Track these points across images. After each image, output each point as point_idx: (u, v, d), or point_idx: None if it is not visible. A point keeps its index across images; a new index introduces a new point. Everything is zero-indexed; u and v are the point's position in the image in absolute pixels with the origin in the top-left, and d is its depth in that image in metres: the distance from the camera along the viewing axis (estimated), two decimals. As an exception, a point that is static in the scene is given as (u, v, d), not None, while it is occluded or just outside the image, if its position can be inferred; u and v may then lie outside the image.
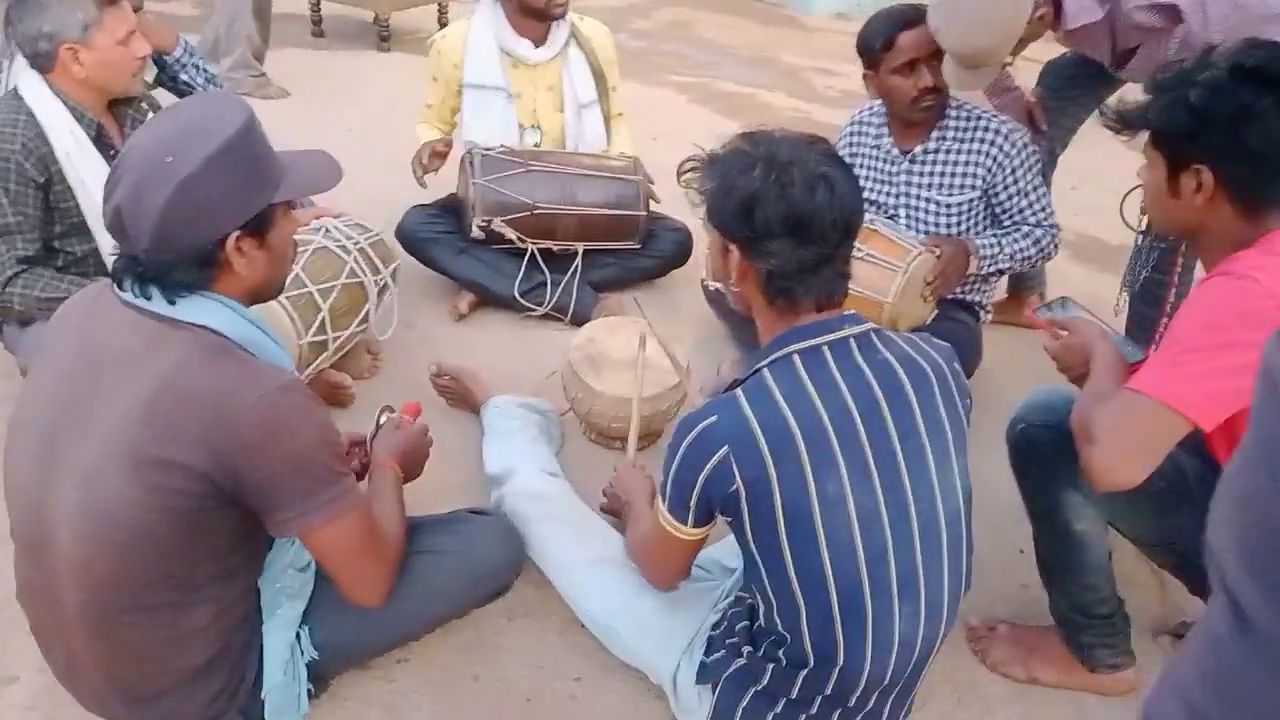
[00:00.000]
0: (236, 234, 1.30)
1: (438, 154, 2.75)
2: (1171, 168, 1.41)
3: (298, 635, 1.51)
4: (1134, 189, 1.63)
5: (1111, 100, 1.72)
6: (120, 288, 1.32)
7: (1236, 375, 1.25)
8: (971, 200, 2.35)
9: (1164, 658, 1.79)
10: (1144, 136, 1.48)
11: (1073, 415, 1.41)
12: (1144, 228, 2.34)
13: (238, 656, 1.46)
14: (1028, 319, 1.80)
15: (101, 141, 2.11)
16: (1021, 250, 2.33)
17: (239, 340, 1.33)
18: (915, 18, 2.21)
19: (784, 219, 1.26)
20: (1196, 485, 1.49)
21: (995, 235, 2.34)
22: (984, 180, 2.33)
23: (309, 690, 1.53)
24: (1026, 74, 2.72)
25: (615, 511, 1.88)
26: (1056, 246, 2.42)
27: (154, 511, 1.26)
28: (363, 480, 1.64)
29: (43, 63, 2.04)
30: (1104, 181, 3.40)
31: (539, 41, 2.75)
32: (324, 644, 1.52)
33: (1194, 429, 1.31)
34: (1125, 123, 1.47)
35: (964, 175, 2.34)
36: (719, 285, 1.46)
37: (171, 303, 1.30)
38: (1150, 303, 2.32)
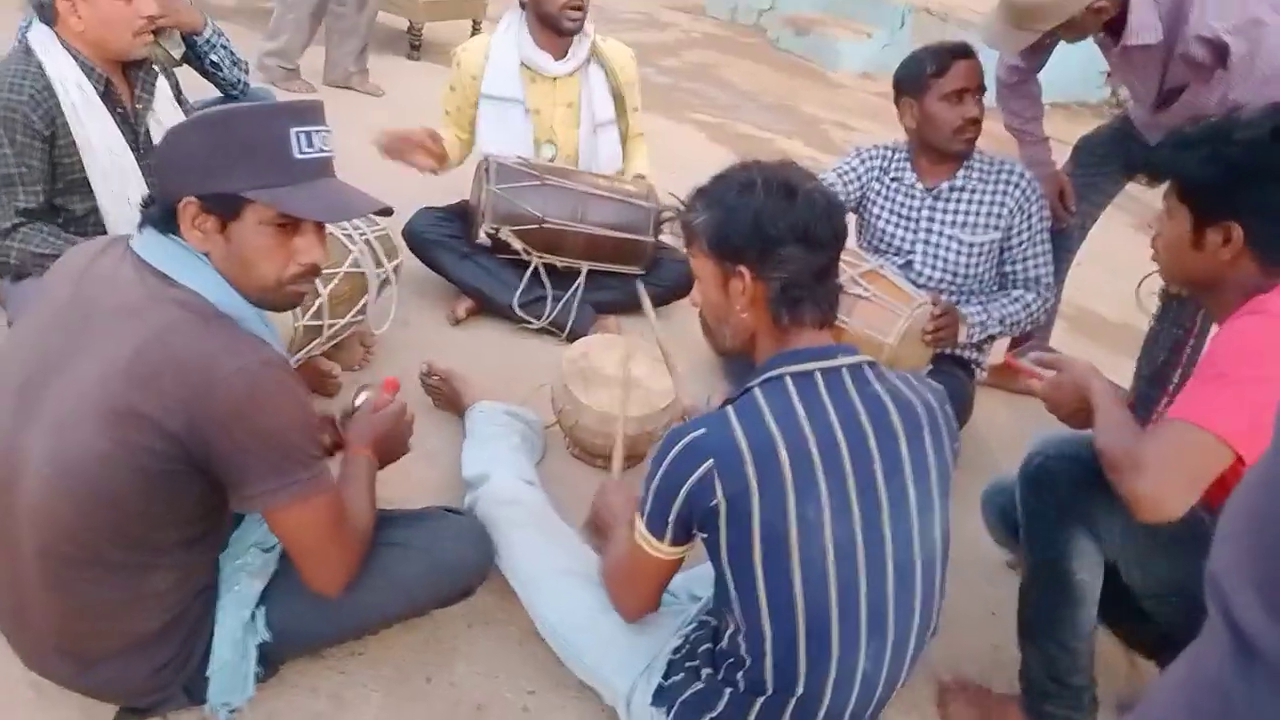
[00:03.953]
0: (194, 201, 1.30)
1: (420, 146, 2.63)
2: (1199, 221, 1.42)
3: (253, 615, 1.48)
4: (1149, 275, 1.64)
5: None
6: (139, 229, 1.36)
7: (1270, 410, 1.24)
8: (993, 241, 2.36)
9: None
10: (1150, 211, 1.50)
11: (1102, 444, 1.40)
12: (1158, 313, 2.36)
13: (191, 628, 1.43)
14: (1008, 364, 1.80)
15: (110, 99, 2.11)
16: (1010, 315, 2.35)
17: (229, 313, 1.33)
18: (969, 51, 2.29)
19: (793, 227, 1.30)
20: (1209, 529, 1.47)
21: (982, 302, 2.36)
22: (1005, 222, 2.35)
23: (257, 673, 1.49)
24: (1059, 154, 2.74)
25: (600, 530, 1.85)
26: (1046, 310, 2.43)
27: (121, 467, 1.24)
28: (331, 458, 1.62)
29: (46, 14, 2.05)
30: (1108, 261, 3.44)
31: (559, 55, 2.78)
32: (278, 627, 1.49)
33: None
34: (1156, 171, 1.48)
35: (988, 215, 2.35)
36: (714, 324, 1.45)
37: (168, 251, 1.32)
38: (1155, 383, 2.33)
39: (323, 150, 1.36)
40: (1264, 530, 0.50)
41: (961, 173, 2.37)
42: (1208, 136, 1.42)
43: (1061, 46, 2.37)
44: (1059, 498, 1.53)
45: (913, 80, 2.33)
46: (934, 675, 1.81)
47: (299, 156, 1.32)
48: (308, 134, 1.34)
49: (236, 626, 1.46)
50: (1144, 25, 2.12)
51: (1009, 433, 2.67)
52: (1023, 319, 2.36)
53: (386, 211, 1.47)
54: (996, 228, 2.35)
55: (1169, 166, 1.45)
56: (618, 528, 1.63)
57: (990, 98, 2.60)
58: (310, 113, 1.36)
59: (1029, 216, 2.35)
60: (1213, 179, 1.39)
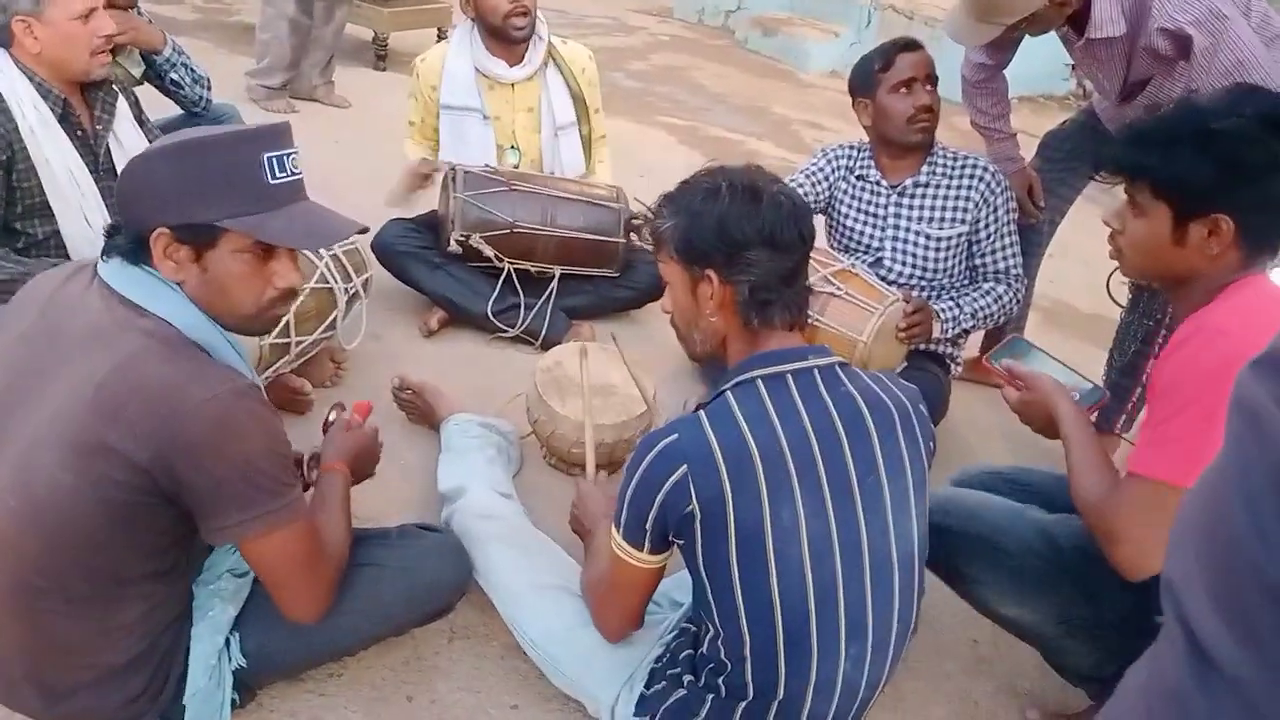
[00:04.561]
0: (165, 232, 1.27)
1: (420, 176, 2.74)
2: (1181, 216, 1.37)
3: (227, 641, 1.46)
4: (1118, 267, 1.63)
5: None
6: (103, 257, 1.33)
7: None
8: (960, 235, 2.37)
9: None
10: (1111, 198, 1.48)
11: (1078, 496, 1.42)
12: (1128, 304, 2.38)
13: (163, 657, 1.41)
14: (982, 366, 1.80)
15: (68, 120, 2.07)
16: (983, 309, 2.36)
17: (199, 341, 1.31)
18: (914, 44, 2.33)
19: (758, 230, 1.30)
20: (1070, 552, 1.50)
21: (953, 298, 2.37)
22: (972, 215, 2.37)
23: (234, 700, 1.47)
24: (1025, 148, 2.75)
25: (580, 533, 1.84)
26: (1018, 301, 2.44)
27: (87, 500, 1.22)
28: (307, 491, 1.60)
29: (1, 36, 2.01)
30: (1077, 252, 3.46)
31: (514, 61, 2.78)
32: (254, 653, 1.46)
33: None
34: (1127, 171, 1.43)
35: (954, 209, 2.36)
36: (684, 329, 1.45)
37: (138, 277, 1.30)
38: (1128, 373, 2.35)
39: (294, 173, 1.35)
40: (1214, 539, 0.50)
41: (925, 168, 2.38)
42: (1179, 131, 1.37)
43: (1026, 39, 2.38)
44: (946, 554, 1.57)
45: (863, 79, 2.36)
46: (917, 673, 1.80)
47: (272, 182, 1.31)
48: (279, 158, 1.32)
49: (211, 653, 1.44)
50: (1107, 18, 2.13)
51: (985, 427, 2.68)
52: (995, 311, 2.37)
53: (363, 231, 1.46)
54: (963, 221, 2.36)
55: (1143, 166, 1.40)
56: (596, 534, 1.62)
57: (956, 93, 2.61)
58: (279, 136, 1.34)
59: (995, 209, 2.37)
60: (1205, 177, 1.33)
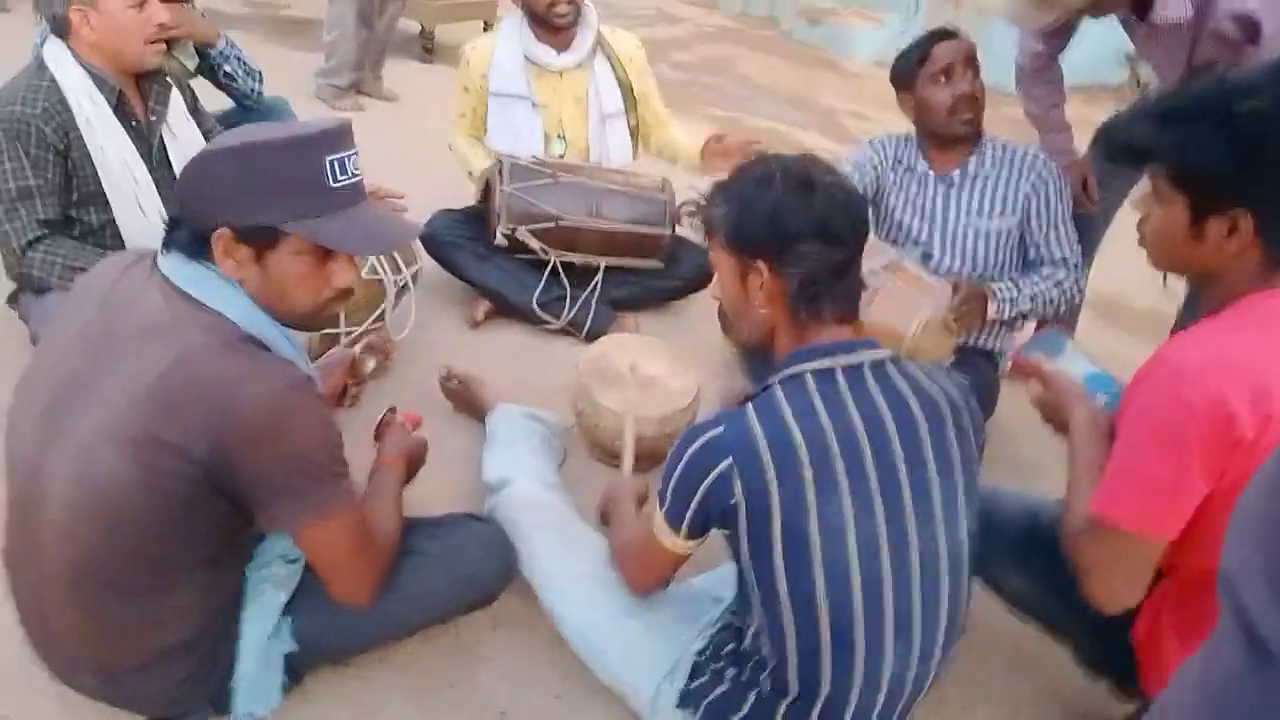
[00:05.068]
0: (227, 232, 1.29)
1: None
2: (1199, 209, 1.23)
3: (278, 626, 1.48)
4: None
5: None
6: (163, 250, 1.35)
7: (1193, 479, 1.20)
8: (1011, 228, 2.32)
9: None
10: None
11: (1063, 525, 1.37)
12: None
13: (215, 640, 1.43)
14: (1014, 360, 1.75)
15: (123, 111, 2.12)
16: (1042, 292, 2.28)
17: (256, 335, 1.33)
18: (950, 33, 2.28)
19: (812, 222, 1.28)
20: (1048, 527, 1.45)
21: (1013, 279, 2.31)
22: (1023, 206, 2.31)
23: (283, 683, 1.50)
24: (1079, 138, 2.69)
25: (604, 519, 1.86)
26: (1078, 291, 2.38)
27: (144, 491, 1.25)
28: (342, 403, 1.70)
29: (59, 26, 2.06)
30: (1132, 247, 3.37)
31: (561, 48, 2.78)
32: (304, 637, 1.49)
33: None
34: (1136, 155, 1.31)
35: (1005, 199, 2.31)
36: (734, 318, 1.45)
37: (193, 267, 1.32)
38: None
39: (354, 174, 1.36)
40: (1277, 532, 0.49)
41: (974, 159, 2.33)
42: (1200, 108, 1.20)
43: (1081, 25, 2.32)
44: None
45: (903, 73, 2.32)
46: (959, 676, 1.78)
47: (334, 186, 1.32)
48: (340, 160, 1.33)
49: (262, 637, 1.46)
50: (1174, 1, 2.07)
51: (1034, 424, 2.62)
52: (1055, 297, 2.29)
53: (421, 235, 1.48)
54: (1014, 213, 2.31)
55: (1157, 148, 1.25)
56: (623, 504, 1.68)
57: (1006, 82, 2.56)
58: (341, 138, 1.35)
59: (1047, 198, 2.30)
60: (1216, 163, 1.18)
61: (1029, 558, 1.40)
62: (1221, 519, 1.27)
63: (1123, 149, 1.34)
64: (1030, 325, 2.54)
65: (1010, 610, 1.68)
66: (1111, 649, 1.48)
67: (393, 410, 1.81)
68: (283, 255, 1.32)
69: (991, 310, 2.21)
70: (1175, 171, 1.25)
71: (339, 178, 1.32)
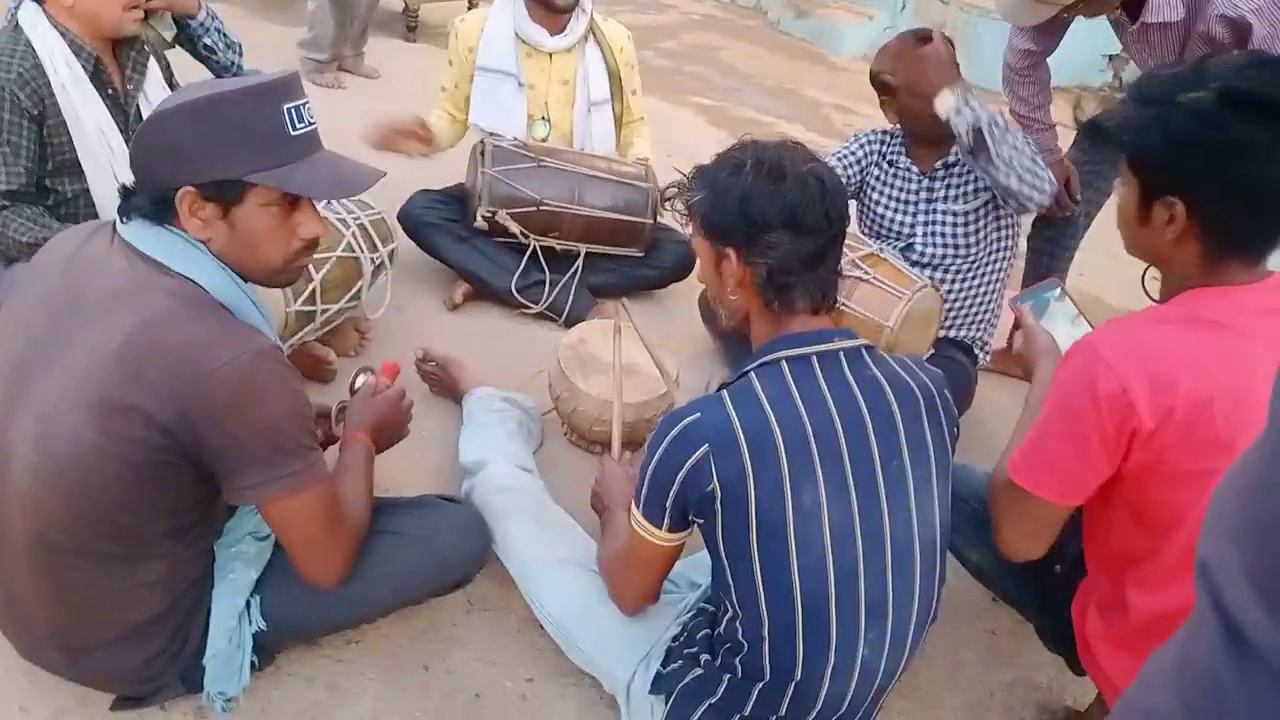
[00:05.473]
0: (191, 190, 1.27)
1: (406, 135, 2.62)
2: (1145, 194, 1.26)
3: (247, 604, 1.47)
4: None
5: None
6: (121, 219, 1.32)
7: (1093, 457, 1.25)
8: (986, 203, 2.31)
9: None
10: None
11: (993, 472, 1.43)
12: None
13: (184, 617, 1.42)
14: (1009, 357, 1.78)
15: (100, 79, 2.08)
16: (1002, 122, 2.12)
17: (224, 300, 1.31)
18: (927, 36, 2.23)
19: (779, 211, 1.27)
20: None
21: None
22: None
23: (253, 662, 1.48)
24: (1062, 139, 2.70)
25: (600, 511, 1.84)
26: (1044, 149, 2.37)
27: (109, 458, 1.23)
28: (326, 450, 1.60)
29: None
30: (1106, 245, 3.40)
31: (555, 30, 2.75)
32: (273, 616, 1.47)
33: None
34: (1099, 136, 1.34)
35: (977, 180, 2.30)
36: (713, 302, 1.44)
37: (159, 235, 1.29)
38: None
39: (311, 123, 1.35)
40: (1256, 520, 0.49)
41: (954, 149, 2.33)
42: (1156, 96, 1.22)
43: (1073, 25, 2.33)
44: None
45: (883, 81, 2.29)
46: (932, 663, 1.80)
47: (294, 133, 1.31)
48: (296, 109, 1.32)
49: (231, 615, 1.45)
50: (1164, 2, 2.08)
51: (1012, 418, 2.64)
52: (1020, 145, 2.14)
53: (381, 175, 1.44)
54: (986, 189, 2.30)
55: (1112, 128, 1.29)
56: (615, 511, 1.62)
57: (993, 80, 2.57)
58: (292, 87, 1.33)
59: None
60: (1154, 150, 1.21)
61: (987, 531, 1.43)
62: (1134, 500, 1.29)
63: (1090, 126, 1.37)
64: (1005, 325, 2.55)
65: (984, 588, 1.69)
66: (1062, 625, 1.53)
67: (367, 370, 1.72)
68: (249, 209, 1.30)
69: (949, 103, 2.09)
70: (1128, 154, 1.29)
71: (298, 125, 1.31)
